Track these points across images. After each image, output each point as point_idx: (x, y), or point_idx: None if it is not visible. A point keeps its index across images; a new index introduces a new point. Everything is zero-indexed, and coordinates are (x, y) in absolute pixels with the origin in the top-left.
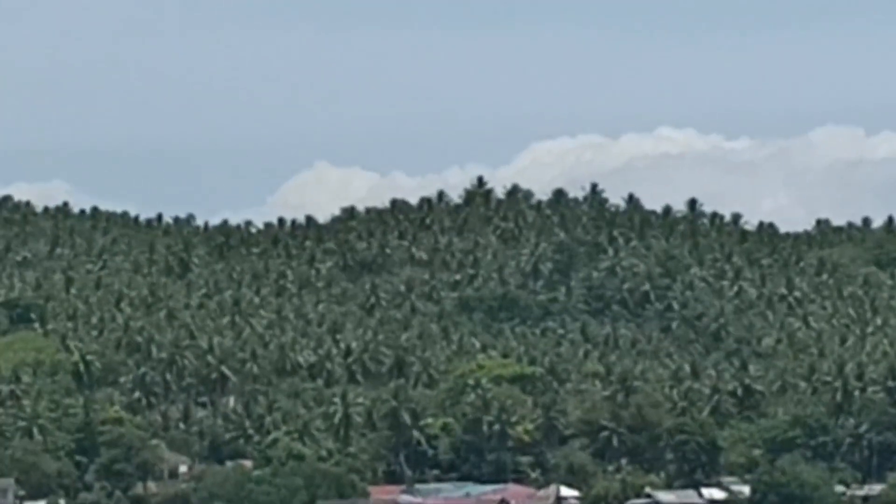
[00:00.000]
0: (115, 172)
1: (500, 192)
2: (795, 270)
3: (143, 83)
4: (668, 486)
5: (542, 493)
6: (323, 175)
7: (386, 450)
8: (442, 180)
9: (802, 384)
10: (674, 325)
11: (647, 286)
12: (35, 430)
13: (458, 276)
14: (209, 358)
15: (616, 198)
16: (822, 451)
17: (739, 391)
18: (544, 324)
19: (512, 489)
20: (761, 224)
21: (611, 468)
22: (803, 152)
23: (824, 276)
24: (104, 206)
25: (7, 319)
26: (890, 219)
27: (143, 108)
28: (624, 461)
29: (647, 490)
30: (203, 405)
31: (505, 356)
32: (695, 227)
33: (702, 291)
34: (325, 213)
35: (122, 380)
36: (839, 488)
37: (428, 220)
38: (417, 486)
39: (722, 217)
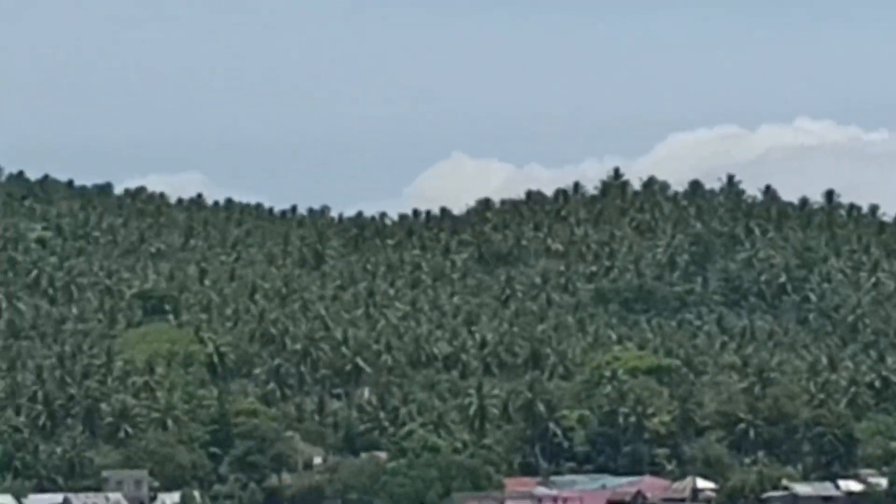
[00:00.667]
0: (249, 164)
1: (636, 184)
2: None
3: (278, 76)
4: (805, 479)
5: (678, 485)
6: (459, 166)
7: (521, 442)
8: (578, 172)
9: None
10: (811, 316)
11: (783, 278)
12: (169, 422)
13: (593, 268)
14: (344, 349)
15: (753, 189)
16: None
17: (877, 383)
18: (680, 315)
19: (648, 481)
20: None
21: (747, 460)
22: None
23: None
24: (238, 198)
25: (141, 311)
26: None
27: (279, 101)
28: (761, 453)
29: (784, 482)
30: (338, 397)
31: (641, 348)
32: (832, 218)
33: (839, 283)
34: (460, 204)
35: (256, 371)
36: None
37: (564, 212)
38: (553, 478)
39: (859, 208)
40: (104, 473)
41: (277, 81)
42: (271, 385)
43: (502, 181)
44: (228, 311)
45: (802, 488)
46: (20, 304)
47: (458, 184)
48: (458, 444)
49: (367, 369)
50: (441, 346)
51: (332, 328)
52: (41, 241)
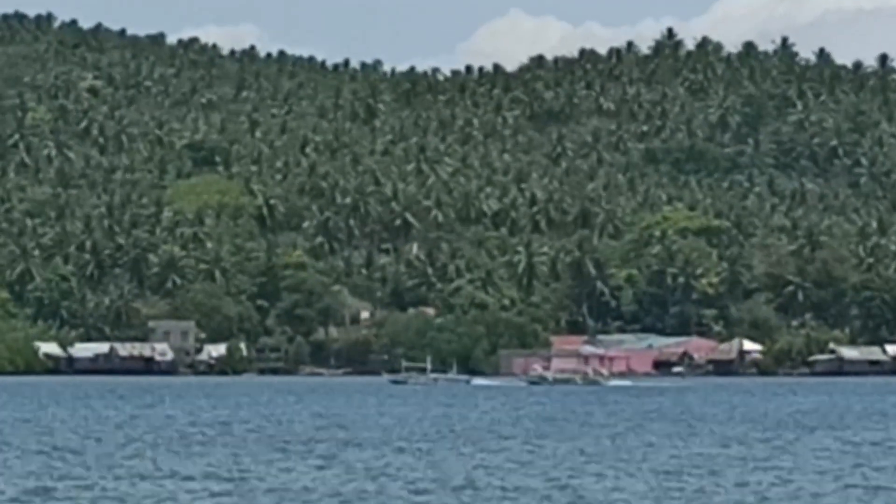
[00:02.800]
0: (303, 17)
1: (690, 44)
2: None
3: None
4: (852, 342)
5: (724, 346)
6: (516, 23)
7: (569, 300)
8: (635, 32)
9: None
10: (861, 180)
11: (835, 141)
12: (217, 274)
13: (645, 128)
14: (393, 204)
15: (807, 52)
16: None
17: None
18: (731, 177)
19: (695, 342)
20: None
21: (795, 323)
22: None
23: None
24: (291, 51)
25: (191, 162)
26: None
27: None
28: (808, 316)
29: (831, 346)
30: (386, 251)
31: (691, 209)
32: (885, 82)
33: (891, 147)
34: (513, 61)
35: (304, 224)
36: None
37: (617, 71)
38: (600, 336)
39: None
40: (150, 324)
41: None
42: (320, 238)
43: (558, 39)
44: (279, 164)
45: (849, 352)
46: (70, 153)
47: (512, 41)
48: (506, 301)
49: (416, 224)
50: (490, 202)
51: (382, 183)
52: (92, 91)
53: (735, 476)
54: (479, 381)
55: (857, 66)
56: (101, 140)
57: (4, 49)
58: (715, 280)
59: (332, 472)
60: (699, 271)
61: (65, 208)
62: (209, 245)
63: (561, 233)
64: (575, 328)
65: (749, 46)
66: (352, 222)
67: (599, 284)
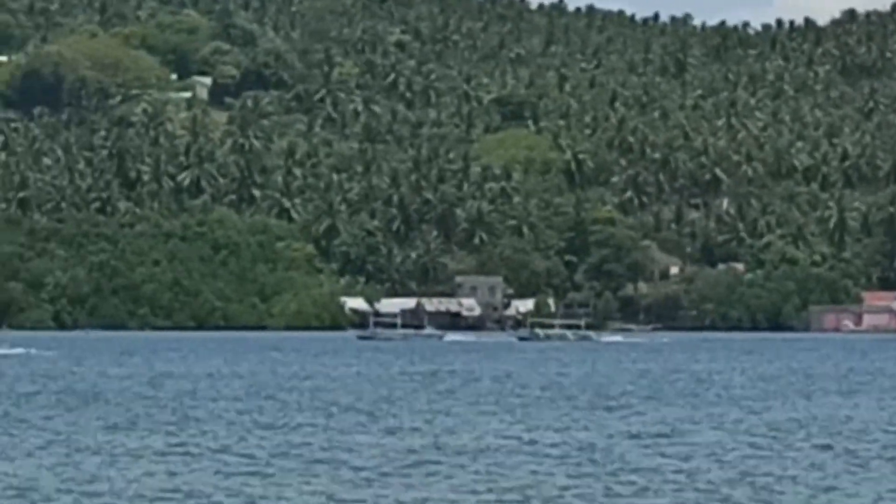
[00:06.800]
0: None
1: None
2: None
3: None
4: None
5: None
6: None
7: (881, 255)
8: None
9: None
10: None
11: None
12: (525, 229)
13: None
14: (703, 159)
15: None
16: None
17: None
18: None
19: None
20: None
21: None
22: None
23: None
24: (600, 5)
25: (499, 116)
26: None
27: None
28: None
29: None
30: (696, 206)
31: None
32: None
33: None
34: (825, 15)
35: (613, 179)
36: None
37: None
38: None
39: None
40: (458, 279)
41: None
42: (629, 193)
43: None
44: (587, 119)
45: None
46: (377, 108)
47: None
48: (817, 257)
49: (726, 179)
50: (802, 157)
51: (692, 137)
52: (399, 45)
53: None
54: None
55: None
56: (407, 94)
57: (312, 3)
58: None
59: None
60: None
61: (371, 163)
62: (517, 200)
63: (873, 188)
64: (887, 284)
65: None
66: (661, 177)
67: None
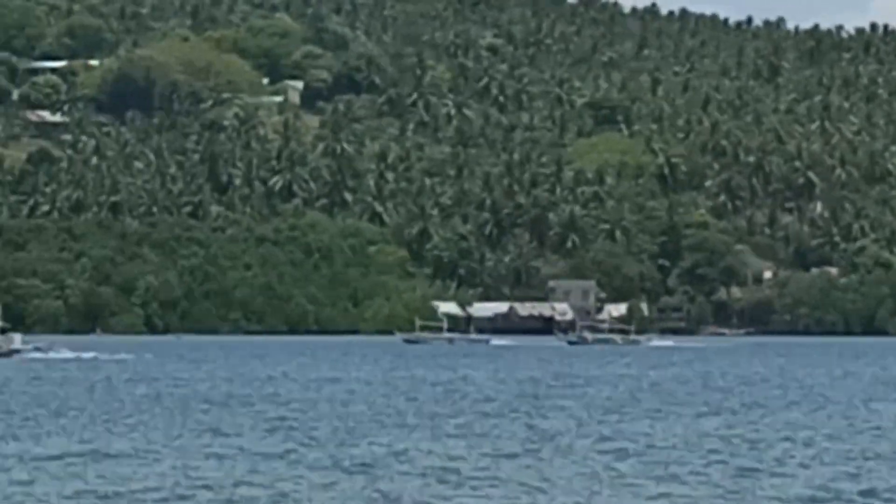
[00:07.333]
0: None
1: None
2: None
3: None
4: None
5: None
6: None
7: None
8: None
9: None
10: None
11: None
12: (618, 233)
13: None
14: (796, 163)
15: None
16: None
17: None
18: None
19: None
20: None
21: None
22: None
23: None
24: (693, 8)
25: (592, 120)
26: None
27: None
28: None
29: None
30: (789, 210)
31: None
32: None
33: None
34: None
35: (707, 183)
36: None
37: None
38: None
39: None
40: (550, 283)
41: None
42: (722, 197)
43: None
44: (680, 122)
45: None
46: (469, 112)
47: None
48: None
49: (820, 183)
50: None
51: (786, 141)
52: (492, 49)
53: None
54: None
55: None
56: (500, 98)
57: (403, 7)
58: None
59: None
60: None
61: (464, 167)
62: (609, 204)
63: None
64: None
65: None
66: (754, 181)
67: None
